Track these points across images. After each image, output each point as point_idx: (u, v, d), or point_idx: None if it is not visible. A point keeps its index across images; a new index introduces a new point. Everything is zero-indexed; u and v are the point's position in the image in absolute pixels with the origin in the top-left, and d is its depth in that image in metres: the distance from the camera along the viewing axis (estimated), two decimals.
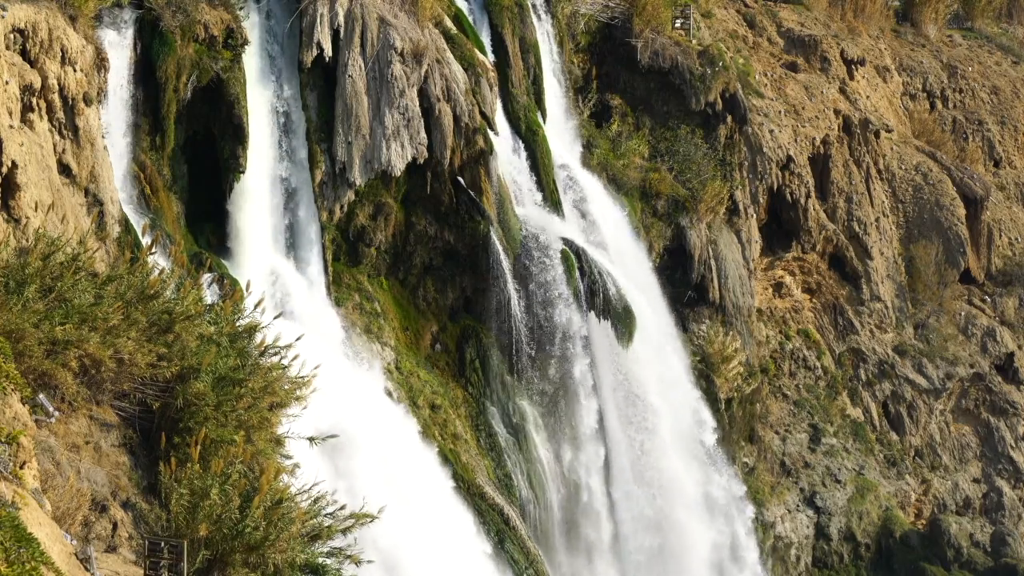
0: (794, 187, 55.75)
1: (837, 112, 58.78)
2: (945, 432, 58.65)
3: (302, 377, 22.79)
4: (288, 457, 22.56)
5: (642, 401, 45.97)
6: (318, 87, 40.19)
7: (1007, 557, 55.77)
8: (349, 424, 34.01)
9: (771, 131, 54.88)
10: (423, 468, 38.27)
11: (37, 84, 30.49)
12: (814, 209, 56.61)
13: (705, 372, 49.84)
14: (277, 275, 38.50)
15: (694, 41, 53.54)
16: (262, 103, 39.06)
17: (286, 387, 22.44)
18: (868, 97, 62.07)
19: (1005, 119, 68.44)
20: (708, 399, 49.40)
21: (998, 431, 59.12)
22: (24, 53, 30.50)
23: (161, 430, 20.76)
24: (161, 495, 19.86)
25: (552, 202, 46.02)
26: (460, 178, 42.26)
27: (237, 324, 23.04)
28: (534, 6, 48.61)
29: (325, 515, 20.79)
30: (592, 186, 48.42)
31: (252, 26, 39.11)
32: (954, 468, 58.16)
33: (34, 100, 30.59)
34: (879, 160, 60.79)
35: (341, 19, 40.01)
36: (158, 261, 27.40)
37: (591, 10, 51.65)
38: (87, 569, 16.82)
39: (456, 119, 41.54)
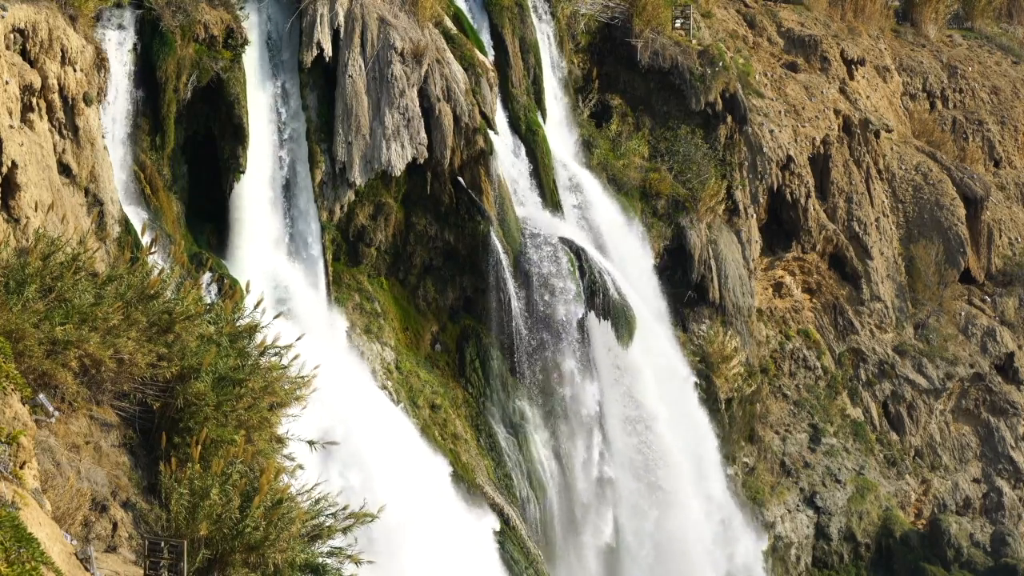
0: (794, 187, 55.75)
1: (837, 112, 58.78)
2: (945, 432, 58.65)
3: (302, 377, 22.79)
4: (291, 459, 22.55)
5: (642, 401, 45.96)
6: (318, 87, 40.21)
7: (1007, 557, 55.76)
8: (348, 424, 34.01)
9: (771, 131, 54.88)
10: (424, 468, 38.26)
11: (37, 84, 30.50)
12: (814, 209, 56.61)
13: (705, 372, 49.84)
14: (277, 275, 38.51)
15: (694, 41, 53.54)
16: (262, 103, 39.08)
17: (286, 387, 22.43)
18: (868, 97, 62.07)
19: (1005, 119, 68.43)
20: (708, 399, 49.40)
21: (998, 431, 59.12)
22: (24, 53, 30.52)
23: (161, 430, 20.75)
24: (161, 495, 19.84)
25: (552, 202, 46.02)
26: (460, 178, 42.27)
27: (237, 324, 23.02)
28: (534, 6, 48.62)
29: (326, 515, 20.78)
30: (592, 186, 48.42)
31: (252, 26, 39.12)
32: (954, 468, 58.16)
33: (34, 100, 30.61)
34: (879, 160, 60.79)
35: (341, 19, 40.02)
36: (158, 261, 27.42)
37: (591, 10, 51.65)
38: (87, 569, 16.82)
39: (456, 119, 41.55)
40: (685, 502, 46.89)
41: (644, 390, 46.01)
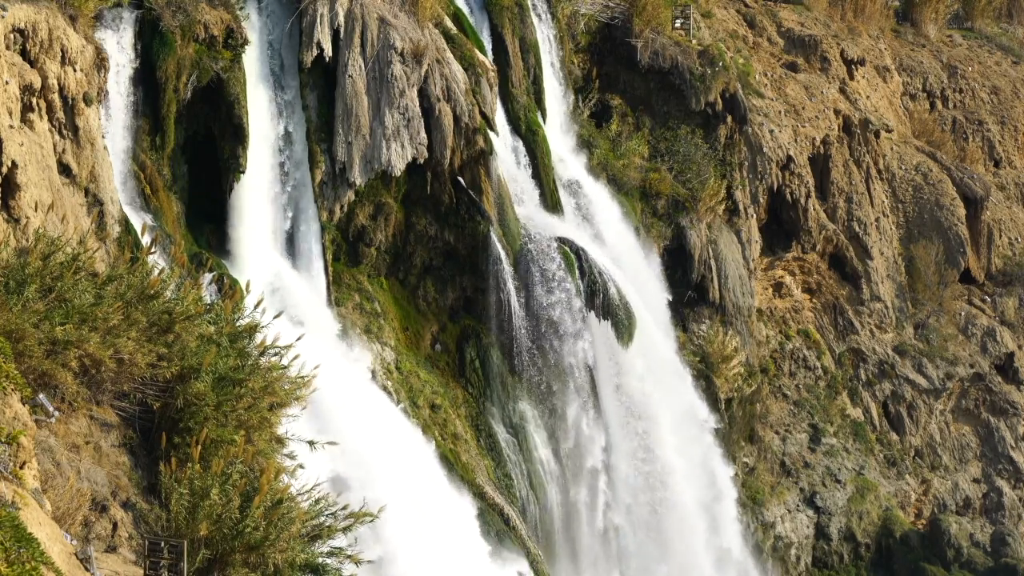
0: (794, 187, 55.76)
1: (837, 112, 58.78)
2: (945, 432, 58.65)
3: (302, 377, 22.79)
4: (292, 458, 22.55)
5: (641, 401, 45.94)
6: (318, 87, 40.21)
7: (1007, 557, 55.76)
8: (348, 424, 33.99)
9: (771, 131, 54.89)
10: (424, 468, 38.22)
11: (37, 84, 30.50)
12: (814, 209, 56.62)
13: (705, 372, 49.83)
14: (277, 275, 38.50)
15: (694, 41, 53.53)
16: (262, 103, 39.07)
17: (286, 387, 22.43)
18: (868, 97, 62.07)
19: (1005, 119, 68.43)
20: (708, 399, 49.39)
21: (998, 431, 59.12)
22: (24, 53, 30.52)
23: (161, 430, 20.76)
24: (161, 495, 19.85)
25: (552, 202, 46.02)
26: (460, 178, 42.27)
27: (237, 324, 23.02)
28: (534, 6, 48.61)
29: (326, 515, 20.78)
30: (592, 186, 48.42)
31: (252, 26, 39.12)
32: (954, 468, 58.16)
33: (34, 100, 30.60)
34: (879, 160, 60.79)
35: (341, 19, 40.02)
36: (158, 261, 27.42)
37: (591, 10, 51.65)
38: (87, 569, 16.82)
39: (456, 119, 41.55)
40: (685, 499, 46.84)
41: (644, 389, 45.93)
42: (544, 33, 49.10)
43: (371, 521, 21.43)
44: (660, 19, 51.66)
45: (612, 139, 51.18)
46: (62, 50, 31.27)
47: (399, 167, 40.55)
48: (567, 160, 48.40)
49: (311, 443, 23.18)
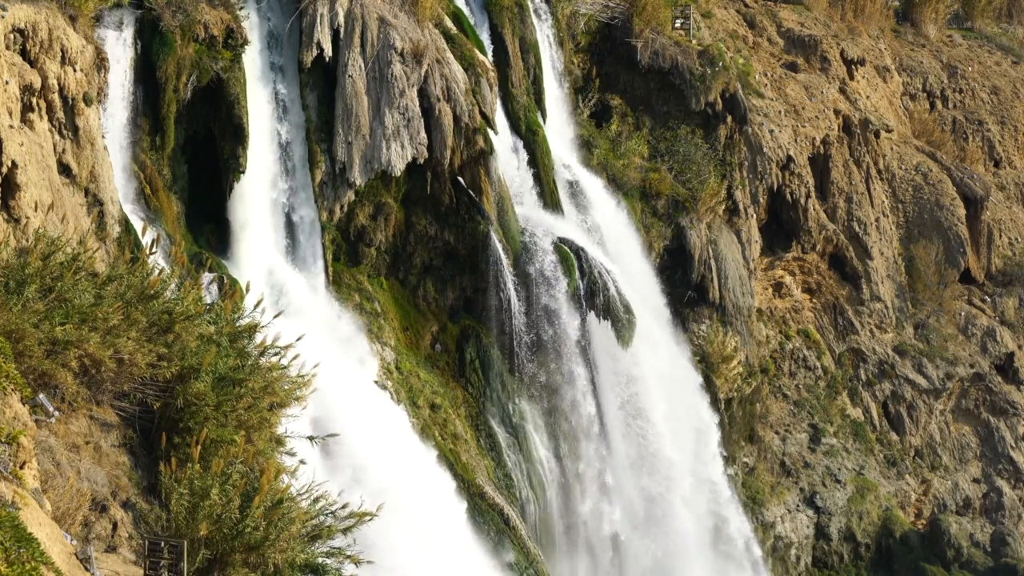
0: (794, 187, 55.75)
1: (837, 112, 58.78)
2: (945, 432, 58.65)
3: (302, 377, 22.79)
4: (292, 455, 22.55)
5: (642, 401, 45.94)
6: (318, 87, 40.21)
7: (1007, 557, 55.76)
8: (348, 423, 34.00)
9: (771, 131, 54.87)
10: (423, 468, 38.23)
11: (37, 84, 30.50)
12: (814, 209, 56.61)
13: (705, 372, 49.84)
14: (277, 275, 38.50)
15: (694, 41, 53.54)
16: (262, 103, 39.08)
17: (286, 387, 22.43)
18: (868, 97, 62.07)
19: (1005, 119, 68.42)
20: (708, 399, 49.38)
21: (998, 431, 59.12)
22: (24, 53, 30.52)
23: (161, 430, 20.77)
24: (161, 495, 19.86)
25: (552, 202, 46.01)
26: (460, 178, 42.28)
27: (237, 324, 23.02)
28: (534, 6, 48.62)
29: (326, 515, 20.78)
30: (592, 186, 48.43)
31: (252, 26, 39.13)
32: (954, 468, 58.16)
33: (34, 100, 30.60)
34: (879, 160, 60.79)
35: (341, 19, 40.03)
36: (158, 261, 27.42)
37: (591, 10, 51.65)
38: (87, 569, 16.83)
39: (456, 119, 41.55)
40: (685, 500, 46.84)
41: (644, 389, 45.90)
42: (544, 33, 49.11)
43: (371, 520, 21.42)
44: (660, 19, 51.67)
45: (612, 139, 51.18)
46: (62, 50, 31.27)
47: (399, 167, 40.56)
48: (567, 160, 48.40)
49: (311, 438, 23.21)
